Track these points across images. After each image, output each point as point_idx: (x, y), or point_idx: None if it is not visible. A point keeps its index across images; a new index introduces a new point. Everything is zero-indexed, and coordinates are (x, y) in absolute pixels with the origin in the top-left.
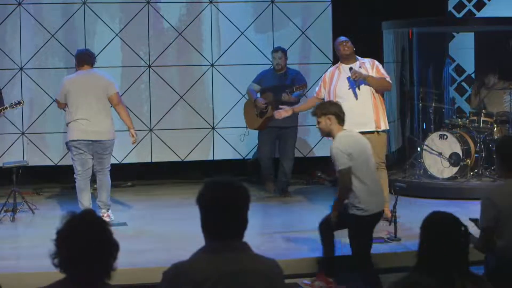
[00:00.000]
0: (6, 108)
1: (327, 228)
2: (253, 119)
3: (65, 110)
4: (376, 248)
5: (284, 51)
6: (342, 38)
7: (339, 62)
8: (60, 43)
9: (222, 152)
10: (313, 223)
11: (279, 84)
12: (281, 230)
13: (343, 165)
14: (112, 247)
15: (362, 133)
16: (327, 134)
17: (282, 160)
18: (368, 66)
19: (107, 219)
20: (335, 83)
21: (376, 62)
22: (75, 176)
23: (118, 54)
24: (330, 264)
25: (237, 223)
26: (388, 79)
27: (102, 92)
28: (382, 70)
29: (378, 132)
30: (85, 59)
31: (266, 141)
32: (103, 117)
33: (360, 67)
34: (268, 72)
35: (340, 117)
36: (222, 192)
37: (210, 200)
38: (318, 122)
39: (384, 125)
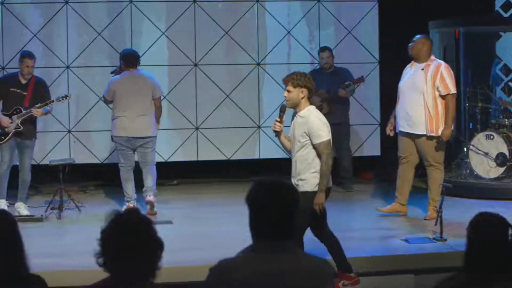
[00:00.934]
0: (53, 101)
1: (317, 228)
2: None
3: (110, 107)
4: (422, 248)
5: (330, 50)
6: (414, 38)
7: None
8: (107, 42)
9: (268, 151)
10: (359, 222)
11: (330, 81)
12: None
13: (326, 136)
14: (156, 246)
15: (410, 134)
16: (294, 105)
17: (340, 157)
18: (431, 70)
19: (152, 201)
20: (405, 78)
21: (443, 68)
22: (119, 166)
23: (164, 53)
24: (345, 261)
25: (286, 224)
26: (445, 91)
27: (148, 93)
28: (447, 79)
29: (427, 136)
30: (132, 61)
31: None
32: (144, 115)
33: (422, 69)
34: (317, 72)
35: (311, 92)
36: (272, 192)
37: (259, 200)
38: (289, 91)
39: (437, 132)
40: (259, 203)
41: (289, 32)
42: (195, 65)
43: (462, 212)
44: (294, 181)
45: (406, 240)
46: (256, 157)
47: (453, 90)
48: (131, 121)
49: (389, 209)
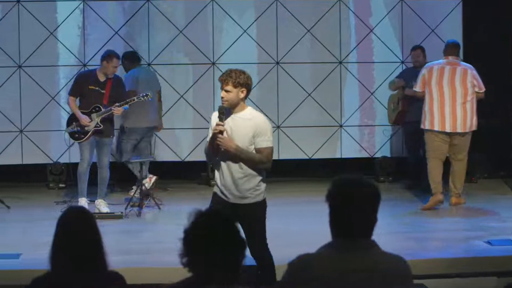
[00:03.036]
0: (134, 100)
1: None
2: (390, 113)
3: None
4: (506, 250)
5: (422, 49)
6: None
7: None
8: (188, 39)
9: (350, 150)
10: (441, 223)
11: (412, 79)
12: (408, 230)
13: (271, 142)
14: (239, 245)
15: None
16: (233, 106)
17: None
18: (463, 69)
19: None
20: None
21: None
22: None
23: (245, 51)
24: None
25: (366, 222)
26: (480, 89)
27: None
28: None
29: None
30: (137, 58)
31: (405, 138)
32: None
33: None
34: (409, 69)
35: (249, 92)
36: (352, 189)
37: (339, 198)
38: (227, 91)
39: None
40: (339, 201)
41: (371, 30)
42: (277, 63)
43: None
44: (231, 192)
45: (489, 242)
46: (338, 156)
47: (484, 88)
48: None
49: (430, 203)
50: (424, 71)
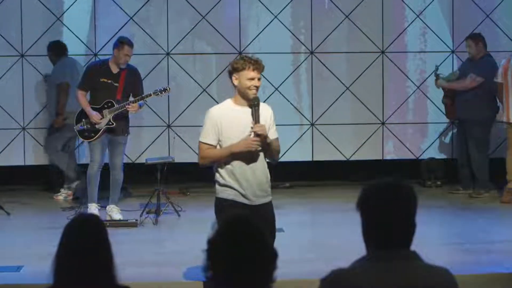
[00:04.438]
0: (150, 95)
1: None
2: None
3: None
4: None
5: (473, 39)
6: None
7: None
8: (212, 26)
9: (393, 151)
10: (498, 234)
11: (469, 72)
12: (459, 241)
13: None
14: (271, 257)
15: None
16: None
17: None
18: None
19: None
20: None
21: None
22: None
23: (276, 39)
24: None
25: (404, 230)
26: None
27: None
28: None
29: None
30: (63, 48)
31: (456, 137)
32: None
33: None
34: (466, 60)
35: None
36: (386, 195)
37: (372, 204)
38: (259, 80)
39: None
40: (372, 207)
41: (418, 16)
42: (312, 53)
43: None
44: (254, 193)
45: None
46: (379, 157)
47: None
48: None
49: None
50: (504, 61)
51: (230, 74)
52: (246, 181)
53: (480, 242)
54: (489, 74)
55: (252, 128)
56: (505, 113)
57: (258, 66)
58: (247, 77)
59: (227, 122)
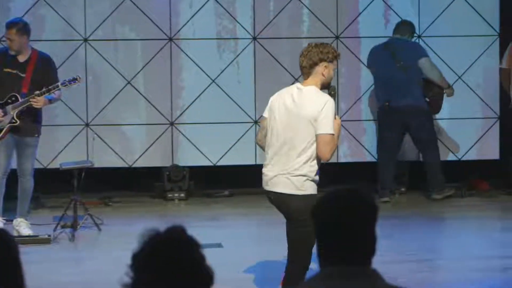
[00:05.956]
0: (58, 86)
1: None
2: None
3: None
4: None
5: None
6: None
7: None
8: (138, 7)
9: (349, 153)
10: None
11: None
12: (430, 257)
13: None
14: (206, 277)
15: None
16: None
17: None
18: None
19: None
20: None
21: None
22: None
23: (212, 23)
24: None
25: (362, 244)
26: None
27: None
28: None
29: None
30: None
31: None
32: None
33: None
34: None
35: None
36: (341, 204)
37: (326, 215)
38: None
39: None
40: (326, 219)
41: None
42: (254, 38)
43: None
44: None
45: None
46: (334, 160)
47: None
48: None
49: None
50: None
51: (324, 61)
52: None
53: (451, 258)
54: None
55: None
56: None
57: (338, 54)
58: (333, 68)
59: None
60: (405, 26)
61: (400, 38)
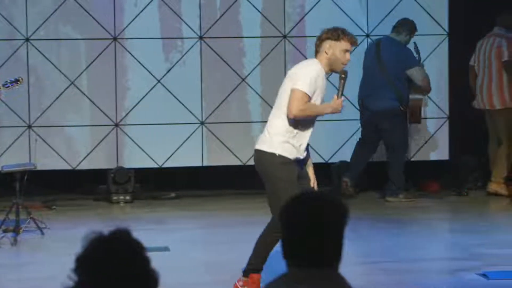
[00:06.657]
0: None
1: None
2: None
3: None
4: (503, 286)
5: None
6: None
7: None
8: (81, 6)
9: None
10: (421, 249)
11: None
12: (382, 260)
13: None
14: (151, 281)
15: None
16: None
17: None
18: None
19: None
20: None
21: None
22: None
23: (158, 23)
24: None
25: (328, 248)
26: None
27: None
28: None
29: None
30: None
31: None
32: None
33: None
34: None
35: None
36: (311, 208)
37: (294, 218)
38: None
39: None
40: (293, 221)
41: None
42: (200, 38)
43: None
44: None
45: (484, 275)
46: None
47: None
48: None
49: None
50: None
51: (329, 39)
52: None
53: (402, 260)
54: None
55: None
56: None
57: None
58: (342, 49)
59: (322, 84)
60: (402, 25)
61: (393, 39)
